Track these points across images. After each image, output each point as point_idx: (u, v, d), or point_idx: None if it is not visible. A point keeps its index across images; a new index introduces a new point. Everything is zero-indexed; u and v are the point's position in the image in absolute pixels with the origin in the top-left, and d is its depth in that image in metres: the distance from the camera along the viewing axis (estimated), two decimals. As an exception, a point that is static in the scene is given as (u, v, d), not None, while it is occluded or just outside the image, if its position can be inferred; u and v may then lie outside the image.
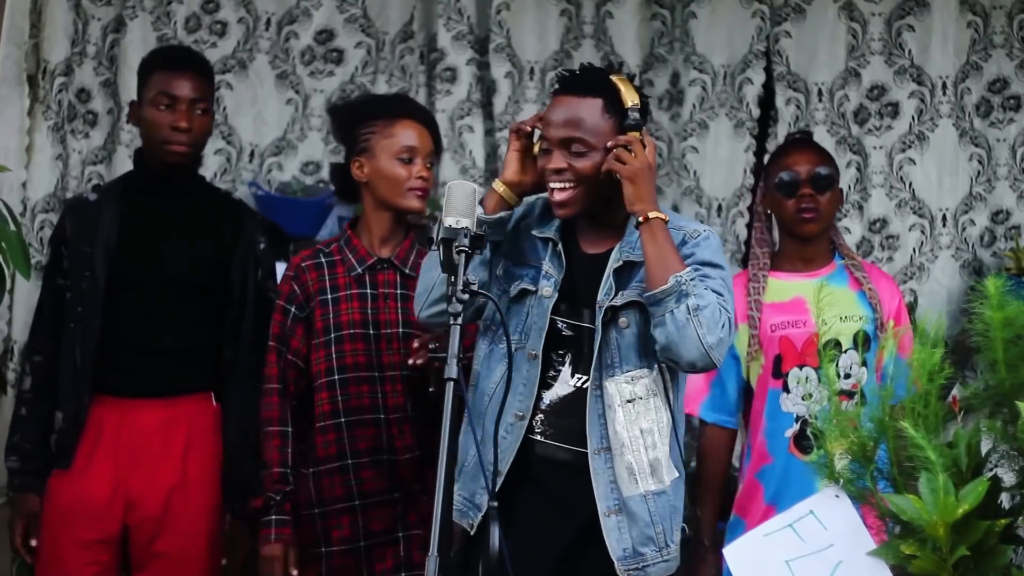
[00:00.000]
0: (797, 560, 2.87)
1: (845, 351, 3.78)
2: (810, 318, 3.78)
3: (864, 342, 3.79)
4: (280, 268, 4.15)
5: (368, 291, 3.74)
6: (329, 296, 3.72)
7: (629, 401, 3.08)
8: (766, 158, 4.54)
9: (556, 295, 3.07)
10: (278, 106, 4.83)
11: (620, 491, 3.08)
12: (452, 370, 2.64)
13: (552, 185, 3.10)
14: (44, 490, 3.88)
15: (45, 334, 3.94)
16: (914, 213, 4.82)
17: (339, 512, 3.70)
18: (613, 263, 3.13)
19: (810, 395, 3.76)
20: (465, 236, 2.76)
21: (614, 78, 3.14)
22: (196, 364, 3.89)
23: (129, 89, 4.39)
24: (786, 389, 3.78)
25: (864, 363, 3.78)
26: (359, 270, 3.75)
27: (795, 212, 3.86)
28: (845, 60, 4.82)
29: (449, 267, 2.77)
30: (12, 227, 3.71)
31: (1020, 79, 4.81)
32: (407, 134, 3.75)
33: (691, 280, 2.98)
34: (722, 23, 4.84)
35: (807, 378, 3.77)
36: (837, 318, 3.78)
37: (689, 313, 2.96)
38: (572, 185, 3.08)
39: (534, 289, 3.15)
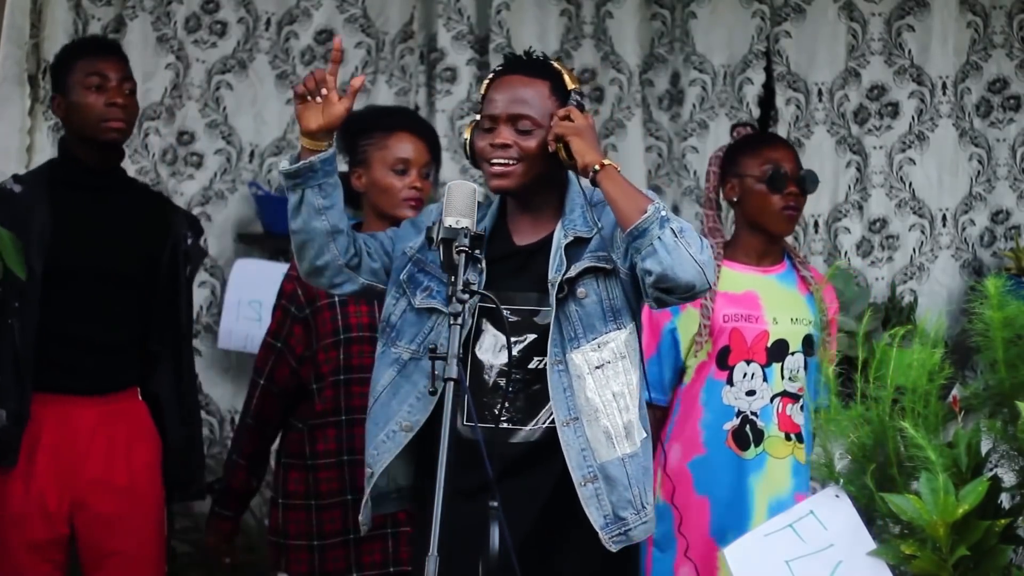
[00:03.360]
0: (797, 560, 2.88)
1: (792, 353, 3.79)
2: (762, 315, 3.78)
3: (808, 346, 3.80)
4: (282, 267, 4.13)
5: None
6: (337, 299, 3.75)
7: (598, 367, 3.08)
8: (707, 163, 4.51)
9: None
10: (278, 106, 4.83)
11: (595, 458, 3.07)
12: (452, 370, 2.64)
13: (495, 160, 3.08)
14: None
15: None
16: (914, 213, 4.82)
17: (332, 506, 3.74)
18: (561, 240, 3.12)
19: (753, 391, 3.76)
20: (465, 236, 2.76)
21: (556, 64, 3.17)
22: (127, 359, 3.88)
23: (129, 89, 4.39)
24: (730, 382, 3.78)
25: (806, 366, 3.79)
26: None
27: (781, 208, 3.84)
28: (845, 60, 4.82)
29: (449, 267, 2.77)
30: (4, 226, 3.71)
31: (1020, 79, 4.81)
32: (401, 146, 3.81)
33: (663, 205, 3.01)
34: (722, 23, 4.84)
35: (753, 374, 3.77)
36: (788, 319, 3.79)
37: (675, 235, 2.97)
38: (515, 161, 3.08)
39: (447, 312, 3.08)
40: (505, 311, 3.02)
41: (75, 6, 4.62)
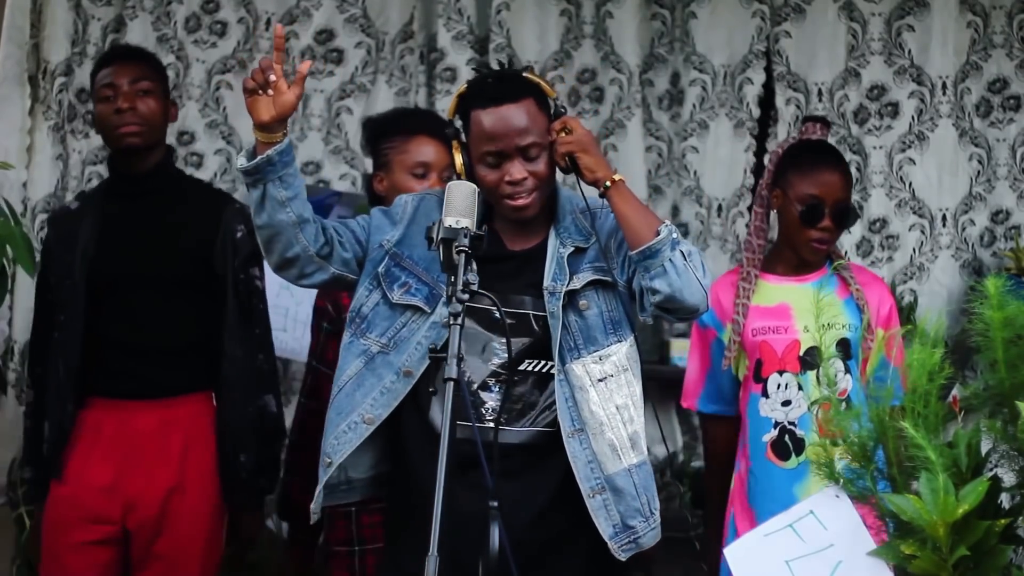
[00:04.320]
0: (797, 560, 2.87)
1: (828, 359, 3.77)
2: (793, 324, 3.77)
3: (846, 350, 3.78)
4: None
5: None
6: None
7: (600, 380, 3.08)
8: (767, 158, 4.52)
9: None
10: (278, 106, 4.83)
11: (603, 469, 3.08)
12: (452, 370, 2.63)
13: (516, 195, 3.08)
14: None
15: (40, 347, 3.95)
16: (914, 213, 4.82)
17: (372, 511, 3.73)
18: (559, 250, 3.12)
19: (789, 401, 3.75)
20: (465, 236, 2.76)
21: (528, 76, 3.16)
22: (189, 363, 3.86)
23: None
24: (765, 394, 3.77)
25: (848, 371, 3.77)
26: None
27: (811, 240, 3.80)
28: (845, 60, 4.82)
29: (449, 267, 2.77)
30: (14, 225, 3.72)
31: (1020, 79, 4.81)
32: (422, 150, 3.81)
33: (674, 228, 3.03)
34: (722, 23, 4.85)
35: (787, 384, 3.76)
36: (821, 325, 3.77)
37: (685, 258, 3.00)
38: (533, 192, 3.09)
39: (427, 311, 3.11)
40: (501, 311, 3.00)
41: (75, 6, 4.63)
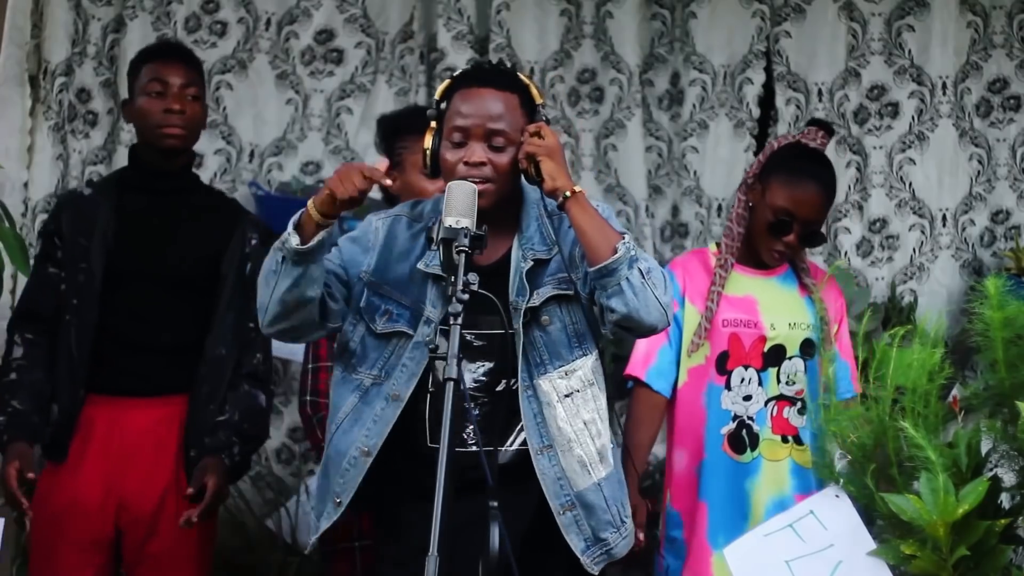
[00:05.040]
0: (797, 560, 2.88)
1: (789, 358, 3.78)
2: (760, 319, 3.77)
3: (807, 349, 3.79)
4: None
5: None
6: None
7: (567, 396, 3.06)
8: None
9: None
10: (278, 106, 4.83)
11: (572, 486, 3.07)
12: (452, 370, 2.63)
13: (470, 179, 2.97)
14: (34, 444, 3.82)
15: (37, 315, 3.90)
16: (914, 213, 4.82)
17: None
18: (520, 264, 3.08)
19: (750, 396, 3.76)
20: (465, 236, 2.75)
21: (524, 77, 3.13)
22: (185, 363, 3.87)
23: (129, 89, 4.40)
24: (728, 387, 3.77)
25: (806, 369, 3.78)
26: None
27: (771, 249, 3.81)
28: (845, 60, 4.82)
29: (449, 267, 2.76)
30: (7, 224, 3.71)
31: (1020, 79, 4.81)
32: None
33: (632, 244, 2.98)
34: (722, 23, 4.84)
35: (749, 379, 3.77)
36: (787, 324, 3.78)
37: (643, 276, 2.94)
38: (488, 179, 3.01)
39: (411, 334, 3.08)
40: (469, 336, 3.00)
41: (75, 6, 4.62)
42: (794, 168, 3.80)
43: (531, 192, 3.13)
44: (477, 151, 3.01)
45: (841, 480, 3.16)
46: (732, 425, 3.76)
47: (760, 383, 3.76)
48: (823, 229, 3.99)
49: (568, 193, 2.99)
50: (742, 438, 3.75)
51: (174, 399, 3.86)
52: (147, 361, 3.84)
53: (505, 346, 3.05)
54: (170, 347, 3.85)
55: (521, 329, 3.04)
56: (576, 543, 3.05)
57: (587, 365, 3.09)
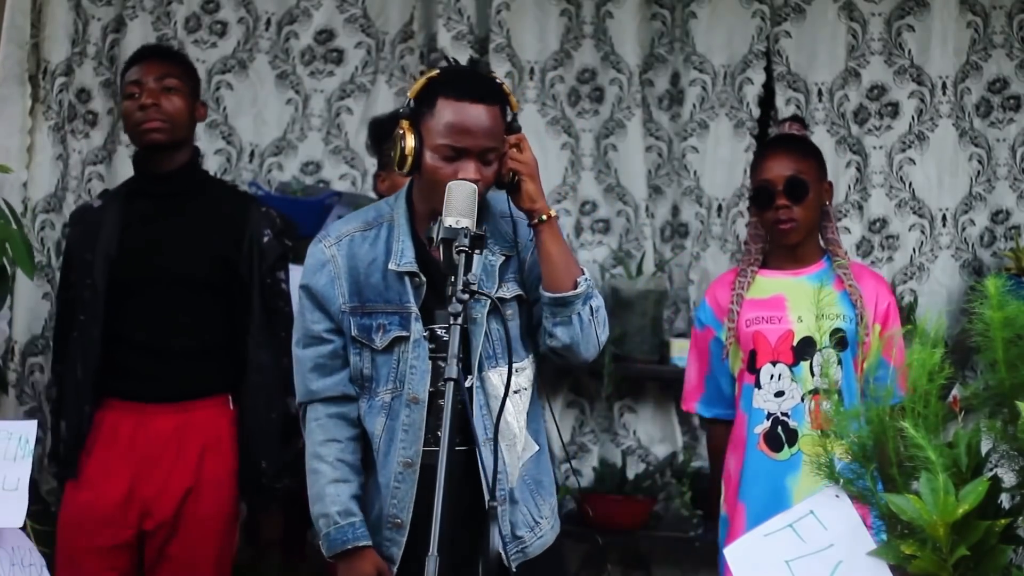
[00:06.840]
0: (797, 560, 2.88)
1: (820, 350, 3.77)
2: (787, 315, 3.77)
3: (839, 341, 3.77)
4: (294, 271, 4.13)
5: None
6: None
7: (516, 392, 3.08)
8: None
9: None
10: (278, 106, 4.83)
11: (508, 481, 3.10)
12: (452, 370, 2.63)
13: None
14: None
15: (62, 344, 3.95)
16: (914, 213, 4.82)
17: None
18: (488, 257, 3.09)
19: (782, 392, 3.75)
20: (465, 236, 2.76)
21: (503, 84, 3.14)
22: (209, 366, 3.85)
23: (129, 89, 4.40)
24: (758, 385, 3.77)
25: (840, 362, 3.77)
26: None
27: (772, 223, 3.82)
28: (845, 60, 4.82)
29: (449, 267, 2.76)
30: (14, 226, 3.72)
31: (1020, 79, 4.81)
32: None
33: (590, 280, 3.05)
34: (722, 23, 4.85)
35: (780, 375, 3.76)
36: (813, 315, 3.77)
37: (592, 314, 3.04)
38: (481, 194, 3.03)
39: (407, 335, 3.09)
40: (440, 330, 3.05)
41: (75, 6, 4.62)
42: (762, 152, 3.96)
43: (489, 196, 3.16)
44: (472, 169, 3.03)
45: (841, 480, 3.16)
46: (767, 423, 3.75)
47: (793, 378, 3.75)
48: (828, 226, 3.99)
49: (544, 217, 3.06)
50: (778, 435, 3.74)
51: (196, 404, 3.85)
52: (164, 366, 3.82)
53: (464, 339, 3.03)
54: (187, 351, 3.83)
55: (483, 319, 3.07)
56: (497, 539, 3.04)
57: (532, 368, 3.15)
